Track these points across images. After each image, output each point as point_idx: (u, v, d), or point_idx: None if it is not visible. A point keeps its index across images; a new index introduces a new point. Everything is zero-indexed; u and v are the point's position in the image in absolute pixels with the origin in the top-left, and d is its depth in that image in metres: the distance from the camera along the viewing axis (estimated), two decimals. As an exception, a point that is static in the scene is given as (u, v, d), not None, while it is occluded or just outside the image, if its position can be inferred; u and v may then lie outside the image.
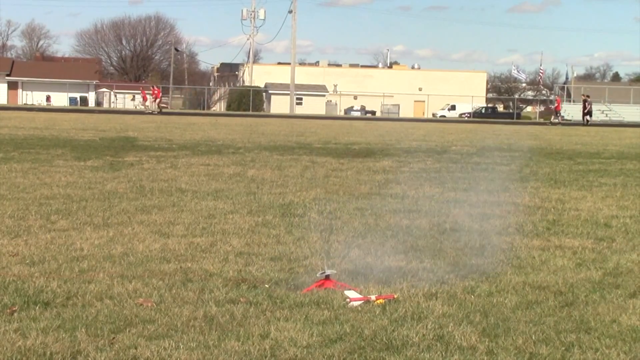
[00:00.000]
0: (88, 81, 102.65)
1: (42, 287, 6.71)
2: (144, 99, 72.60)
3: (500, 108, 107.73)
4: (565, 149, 28.73)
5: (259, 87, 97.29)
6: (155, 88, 70.21)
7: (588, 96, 72.65)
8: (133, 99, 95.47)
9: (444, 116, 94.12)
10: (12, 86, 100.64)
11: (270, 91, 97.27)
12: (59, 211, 10.72)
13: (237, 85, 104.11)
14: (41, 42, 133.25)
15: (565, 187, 15.01)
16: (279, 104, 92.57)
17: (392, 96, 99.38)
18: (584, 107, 69.36)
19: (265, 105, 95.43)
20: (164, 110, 65.57)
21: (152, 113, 63.62)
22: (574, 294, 6.96)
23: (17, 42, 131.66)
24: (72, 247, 8.37)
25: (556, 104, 77.52)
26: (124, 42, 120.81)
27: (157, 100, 67.83)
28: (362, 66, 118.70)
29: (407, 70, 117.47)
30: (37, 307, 6.12)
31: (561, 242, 9.38)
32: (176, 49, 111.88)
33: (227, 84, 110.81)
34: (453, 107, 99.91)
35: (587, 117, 67.58)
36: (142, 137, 28.48)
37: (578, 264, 8.21)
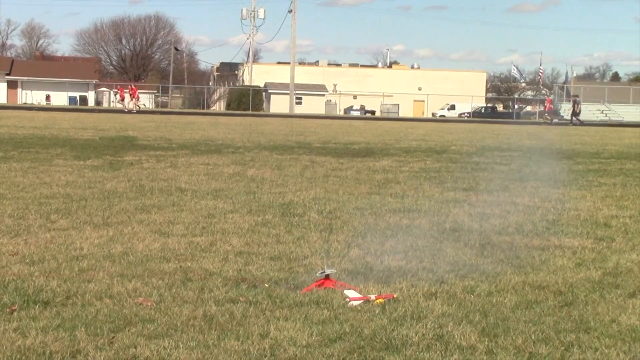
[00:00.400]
0: (87, 80, 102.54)
1: (41, 286, 6.71)
2: (122, 98, 72.48)
3: (499, 108, 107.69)
4: (564, 148, 28.72)
5: (259, 87, 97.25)
6: (133, 87, 69.98)
7: (577, 96, 72.82)
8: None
9: (444, 116, 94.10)
10: (12, 85, 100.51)
11: (269, 91, 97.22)
12: (58, 210, 10.71)
13: (237, 84, 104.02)
14: (41, 42, 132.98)
15: (564, 187, 15.00)
16: (278, 104, 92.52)
17: (392, 96, 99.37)
18: (573, 107, 69.40)
19: (264, 104, 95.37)
20: (137, 110, 65.12)
21: (130, 112, 63.36)
22: (574, 294, 6.97)
23: (16, 42, 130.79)
24: (72, 247, 8.37)
25: (547, 104, 77.65)
26: (123, 41, 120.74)
27: (134, 99, 67.64)
28: (361, 66, 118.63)
29: (406, 69, 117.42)
30: (37, 307, 6.12)
31: (561, 241, 9.38)
32: (176, 48, 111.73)
33: (226, 83, 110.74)
34: (452, 107, 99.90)
35: (575, 117, 67.48)
36: (141, 137, 28.46)
37: (578, 263, 8.21)
